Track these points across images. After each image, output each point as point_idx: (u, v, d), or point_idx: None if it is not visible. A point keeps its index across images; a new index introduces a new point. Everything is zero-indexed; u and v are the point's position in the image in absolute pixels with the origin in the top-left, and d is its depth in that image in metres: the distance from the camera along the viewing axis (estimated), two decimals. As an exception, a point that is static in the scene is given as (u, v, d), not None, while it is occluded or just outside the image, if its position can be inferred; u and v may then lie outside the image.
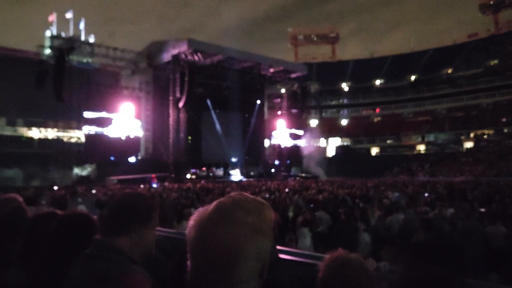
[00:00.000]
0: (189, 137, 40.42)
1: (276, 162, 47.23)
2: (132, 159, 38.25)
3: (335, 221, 8.57)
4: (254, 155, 46.89)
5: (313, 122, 65.03)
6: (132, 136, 38.02)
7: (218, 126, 43.93)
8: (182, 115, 36.70)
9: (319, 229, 8.73)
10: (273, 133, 48.19)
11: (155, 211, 1.47)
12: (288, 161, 47.49)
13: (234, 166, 42.50)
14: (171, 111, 35.72)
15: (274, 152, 48.51)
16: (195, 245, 0.95)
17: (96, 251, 1.36)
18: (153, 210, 1.45)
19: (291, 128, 48.19)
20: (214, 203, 1.01)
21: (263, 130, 48.23)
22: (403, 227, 7.47)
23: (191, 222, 1.00)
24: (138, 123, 38.36)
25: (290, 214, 10.67)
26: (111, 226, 1.42)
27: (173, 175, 33.60)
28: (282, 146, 47.84)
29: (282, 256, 2.72)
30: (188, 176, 36.76)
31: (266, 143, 49.81)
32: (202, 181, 29.58)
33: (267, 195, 14.37)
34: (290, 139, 48.42)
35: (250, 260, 0.93)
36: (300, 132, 49.87)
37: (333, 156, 59.56)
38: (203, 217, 0.99)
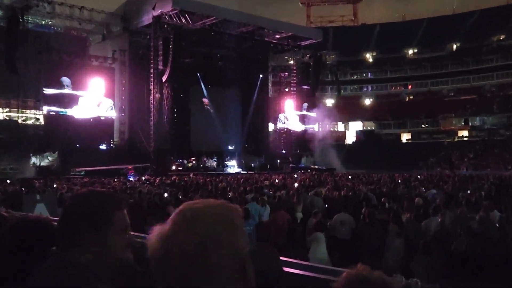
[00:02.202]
0: (175, 120, 40.33)
1: (283, 151, 47.38)
2: (103, 147, 38.24)
3: (356, 225, 8.76)
4: (256, 142, 46.93)
5: (329, 102, 64.88)
6: (103, 118, 37.99)
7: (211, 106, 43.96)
8: (166, 92, 36.66)
9: (336, 234, 8.88)
10: (280, 115, 48.19)
11: (118, 212, 1.46)
12: (298, 150, 47.62)
13: (230, 155, 42.91)
14: (152, 87, 35.57)
15: (280, 138, 48.75)
16: (158, 256, 1.05)
17: (54, 267, 1.35)
18: (110, 212, 1.43)
19: (301, 109, 48.29)
20: (175, 212, 1.12)
21: (267, 111, 48.27)
22: (439, 232, 7.50)
23: (153, 232, 1.10)
24: (111, 102, 38.25)
25: (299, 215, 10.71)
26: (62, 236, 1.42)
27: (154, 167, 33.61)
28: (291, 131, 47.91)
29: (287, 269, 2.71)
30: (174, 167, 36.88)
31: (271, 127, 49.80)
32: (191, 174, 29.81)
33: (271, 192, 14.48)
34: (300, 122, 48.47)
35: (221, 268, 1.02)
36: (312, 114, 49.85)
37: (353, 144, 59.68)
38: (165, 227, 1.09)
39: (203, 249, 1.01)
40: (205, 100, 43.46)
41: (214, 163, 41.06)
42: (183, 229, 1.04)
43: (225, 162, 41.67)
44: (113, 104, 38.49)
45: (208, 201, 1.13)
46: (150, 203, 11.69)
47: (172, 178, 24.77)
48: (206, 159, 40.84)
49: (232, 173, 35.98)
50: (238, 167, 40.95)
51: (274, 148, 48.38)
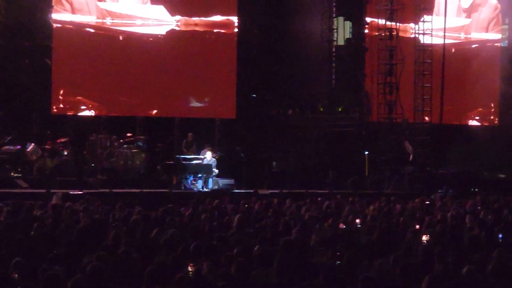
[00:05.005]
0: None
1: (382, 119, 18.83)
2: None
3: None
4: (288, 83, 19.61)
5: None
6: None
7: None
8: None
9: None
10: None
11: None
12: (439, 120, 19.49)
13: (201, 136, 18.60)
14: None
15: (382, 69, 18.31)
16: None
17: None
18: None
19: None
20: None
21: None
22: None
23: None
24: None
25: None
26: None
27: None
28: (421, 49, 19.11)
29: None
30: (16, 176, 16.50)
31: (341, 34, 20.22)
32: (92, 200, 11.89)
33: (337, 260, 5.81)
34: (456, 18, 21.24)
35: None
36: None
37: None
38: None
39: None
40: None
41: (140, 153, 17.31)
42: None
43: (194, 154, 17.22)
44: None
45: None
46: None
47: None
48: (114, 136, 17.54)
49: (204, 192, 15.60)
50: (226, 178, 17.17)
51: (352, 107, 19.63)
